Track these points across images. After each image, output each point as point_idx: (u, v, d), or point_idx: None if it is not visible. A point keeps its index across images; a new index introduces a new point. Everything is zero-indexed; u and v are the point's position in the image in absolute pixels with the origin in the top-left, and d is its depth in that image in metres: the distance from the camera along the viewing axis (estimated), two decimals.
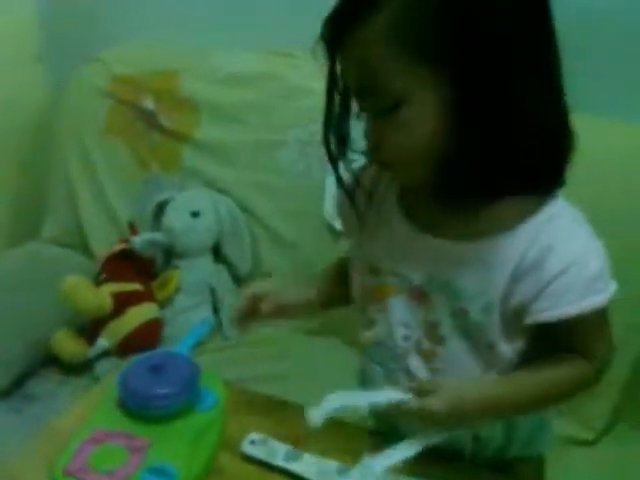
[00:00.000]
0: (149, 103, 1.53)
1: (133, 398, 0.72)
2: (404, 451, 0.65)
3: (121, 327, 1.24)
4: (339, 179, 0.70)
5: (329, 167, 0.68)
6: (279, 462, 0.70)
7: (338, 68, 0.62)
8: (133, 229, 1.44)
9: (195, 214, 1.40)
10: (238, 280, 1.46)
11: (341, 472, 0.69)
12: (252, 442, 0.73)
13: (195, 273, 1.41)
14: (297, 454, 0.71)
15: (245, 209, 1.45)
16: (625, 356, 1.14)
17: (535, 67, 0.59)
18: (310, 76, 1.39)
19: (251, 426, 0.75)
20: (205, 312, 1.41)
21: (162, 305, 1.37)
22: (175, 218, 1.40)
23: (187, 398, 0.73)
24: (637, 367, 1.14)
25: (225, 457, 0.72)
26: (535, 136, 0.59)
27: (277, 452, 0.71)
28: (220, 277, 1.44)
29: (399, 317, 0.71)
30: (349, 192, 0.71)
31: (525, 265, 0.62)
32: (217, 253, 1.46)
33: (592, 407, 1.17)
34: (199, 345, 1.35)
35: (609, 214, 0.99)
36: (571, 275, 0.61)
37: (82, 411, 0.76)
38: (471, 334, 0.67)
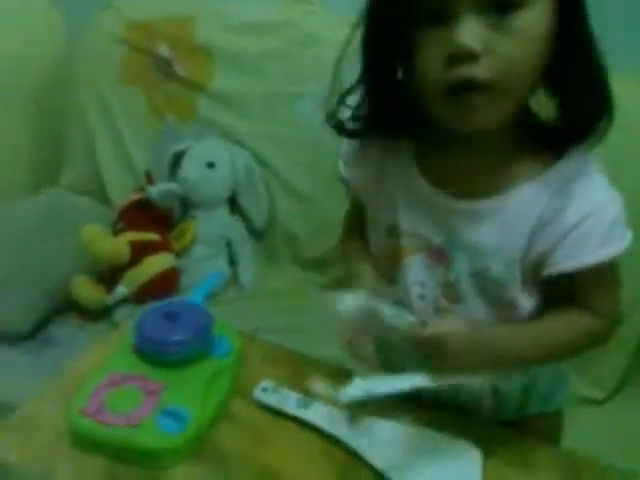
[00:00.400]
0: (164, 50, 1.51)
1: (148, 343, 0.73)
2: (400, 382, 0.65)
3: (139, 275, 1.26)
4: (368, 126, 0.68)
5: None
6: (290, 409, 0.72)
7: None
8: (150, 178, 1.44)
9: (210, 165, 1.40)
10: (254, 232, 1.47)
11: (350, 420, 0.71)
12: (264, 389, 0.74)
13: (211, 224, 1.42)
14: (308, 402, 0.72)
15: (261, 161, 1.44)
16: (637, 316, 1.14)
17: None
18: (328, 24, 1.36)
19: (264, 374, 0.77)
20: (221, 263, 1.42)
21: (179, 255, 1.39)
22: (191, 169, 1.40)
23: (200, 344, 0.75)
24: None
25: (238, 403, 0.74)
26: (600, 74, 0.59)
27: (288, 400, 0.73)
28: (236, 229, 1.45)
29: (415, 276, 0.70)
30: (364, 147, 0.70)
31: (546, 216, 0.62)
32: (233, 205, 1.46)
33: (603, 366, 1.18)
34: (212, 295, 1.40)
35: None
36: (591, 222, 0.61)
37: (99, 355, 0.77)
38: (491, 291, 0.67)
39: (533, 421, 0.80)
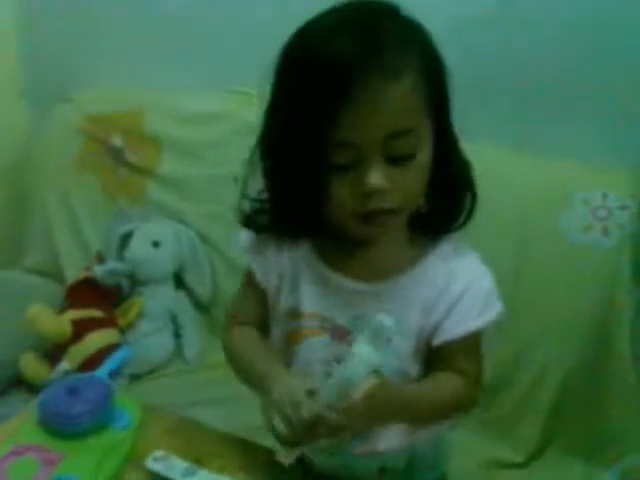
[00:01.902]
0: (117, 140, 1.64)
1: (49, 416, 0.80)
2: None
3: (80, 351, 1.33)
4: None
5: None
6: (176, 477, 0.78)
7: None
8: (100, 258, 1.54)
9: (156, 244, 1.50)
10: (199, 306, 1.55)
11: None
12: (155, 458, 0.80)
13: (157, 300, 1.50)
14: (193, 470, 0.78)
15: (204, 239, 1.54)
16: (552, 380, 1.21)
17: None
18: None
19: (162, 444, 0.83)
20: (166, 337, 1.50)
21: (125, 330, 1.46)
22: (137, 248, 1.49)
23: (99, 417, 0.81)
24: (564, 391, 1.20)
25: (131, 472, 0.80)
26: (462, 177, 0.73)
27: (175, 468, 0.79)
28: (181, 304, 1.53)
29: (319, 355, 0.76)
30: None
31: (435, 293, 0.72)
32: (179, 281, 1.55)
33: (521, 430, 1.24)
34: (156, 369, 1.46)
35: None
36: (470, 294, 0.72)
37: (12, 428, 0.85)
38: (391, 363, 0.72)
39: None
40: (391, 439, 0.78)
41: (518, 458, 1.22)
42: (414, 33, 0.67)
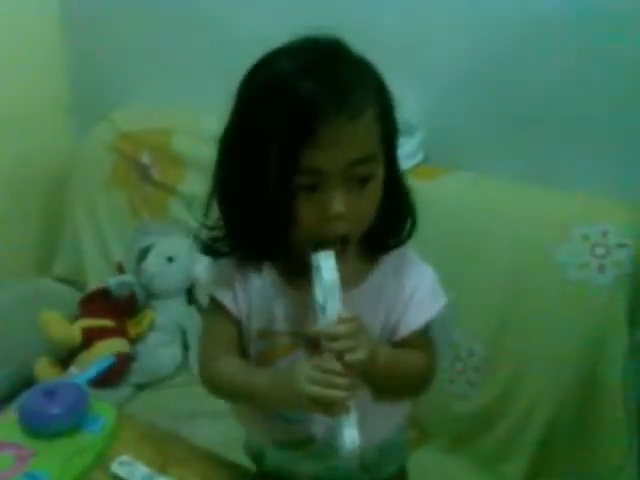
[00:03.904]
0: (145, 158, 1.71)
1: (25, 416, 0.86)
2: None
3: (89, 358, 1.39)
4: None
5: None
6: None
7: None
8: (120, 269, 1.61)
9: (170, 259, 1.55)
10: None
11: None
12: (121, 463, 0.84)
13: (168, 313, 1.56)
14: (151, 476, 0.82)
15: None
16: (541, 415, 1.19)
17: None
18: None
19: (132, 450, 0.87)
20: (175, 349, 1.55)
21: (135, 341, 1.52)
22: (152, 262, 1.56)
23: (72, 419, 0.86)
24: (552, 427, 1.18)
25: (98, 473, 0.85)
26: (405, 203, 0.78)
27: (137, 473, 0.83)
28: (191, 318, 1.57)
29: None
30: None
31: (391, 295, 0.79)
32: (190, 296, 1.60)
33: (509, 465, 1.22)
34: (164, 379, 1.51)
35: None
36: (420, 289, 0.79)
37: None
38: None
39: None
40: (368, 433, 0.76)
41: None
42: (367, 70, 0.72)
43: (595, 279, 1.12)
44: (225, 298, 0.81)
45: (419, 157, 1.36)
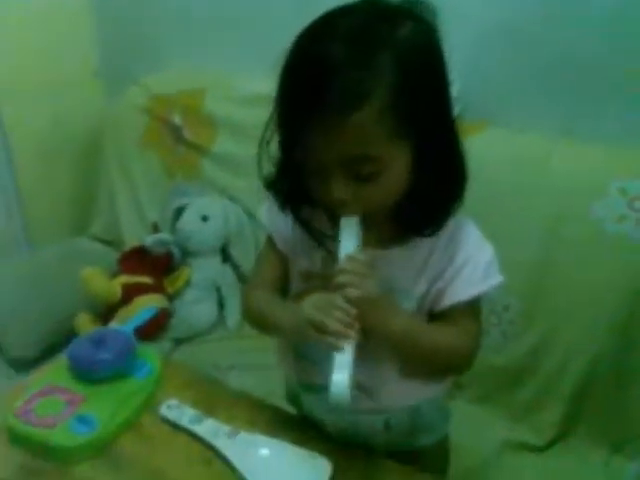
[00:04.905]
0: (177, 119, 1.72)
1: (76, 362, 0.89)
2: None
3: (128, 313, 1.43)
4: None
5: None
6: (184, 423, 0.85)
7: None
8: (156, 229, 1.64)
9: (205, 218, 1.58)
10: (243, 279, 1.62)
11: (230, 435, 0.83)
12: (168, 407, 0.88)
13: (204, 271, 1.59)
14: (200, 418, 0.85)
15: (251, 215, 1.61)
16: (577, 367, 1.20)
17: (450, 123, 0.73)
18: None
19: (178, 396, 0.90)
20: (211, 306, 1.58)
21: (172, 298, 1.56)
22: (187, 221, 1.58)
23: (120, 365, 0.89)
24: (589, 379, 1.19)
25: (147, 417, 0.88)
26: (458, 169, 0.74)
27: (185, 416, 0.86)
28: (226, 276, 1.61)
29: None
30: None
31: (442, 264, 0.77)
32: (225, 254, 1.63)
33: (544, 415, 1.24)
34: (202, 334, 1.54)
35: None
36: (473, 262, 0.77)
37: (46, 371, 0.94)
38: None
39: (422, 450, 0.91)
40: (393, 397, 0.83)
41: (539, 442, 1.23)
42: (390, 49, 0.66)
43: (633, 232, 1.12)
44: (276, 233, 0.86)
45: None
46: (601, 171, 1.17)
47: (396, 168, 0.69)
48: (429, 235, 0.75)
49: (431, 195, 0.73)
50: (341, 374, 0.67)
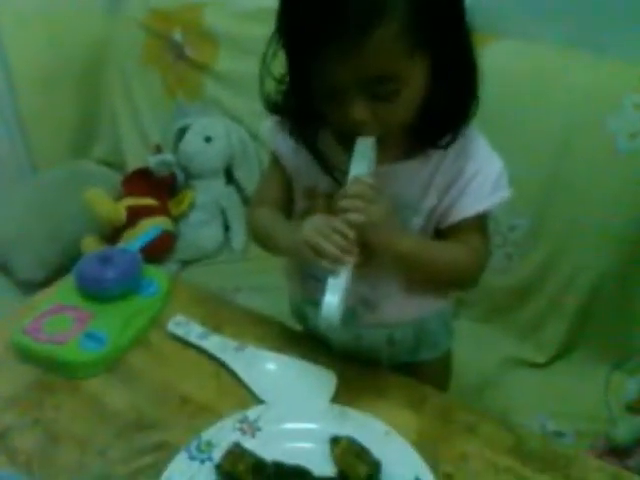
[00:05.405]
0: (177, 35, 1.67)
1: (83, 280, 0.89)
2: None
3: (134, 236, 1.42)
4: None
5: None
6: (191, 339, 0.86)
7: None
8: (159, 150, 1.61)
9: (208, 139, 1.55)
10: (247, 201, 1.61)
11: (238, 349, 0.84)
12: (176, 323, 0.88)
13: (208, 193, 1.57)
14: (207, 334, 0.86)
15: (255, 136, 1.58)
16: (582, 284, 1.20)
17: (466, 33, 0.70)
18: None
19: (185, 312, 0.91)
20: (216, 228, 1.58)
21: (177, 220, 1.55)
22: (190, 142, 1.55)
23: (127, 283, 0.90)
24: (593, 296, 1.20)
25: (155, 333, 0.89)
26: (473, 78, 0.71)
27: (192, 331, 0.87)
28: (231, 198, 1.60)
29: None
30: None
31: (451, 176, 0.76)
32: (229, 177, 1.61)
33: (546, 332, 1.25)
34: (207, 256, 1.54)
35: None
36: (483, 174, 0.76)
37: (54, 290, 0.95)
38: None
39: (424, 364, 0.92)
40: (397, 311, 0.84)
41: (540, 359, 1.24)
42: None
43: None
44: (280, 150, 0.85)
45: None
46: (617, 84, 1.13)
47: (415, 84, 0.67)
48: (446, 147, 0.74)
49: (447, 106, 0.71)
50: (332, 296, 0.67)
